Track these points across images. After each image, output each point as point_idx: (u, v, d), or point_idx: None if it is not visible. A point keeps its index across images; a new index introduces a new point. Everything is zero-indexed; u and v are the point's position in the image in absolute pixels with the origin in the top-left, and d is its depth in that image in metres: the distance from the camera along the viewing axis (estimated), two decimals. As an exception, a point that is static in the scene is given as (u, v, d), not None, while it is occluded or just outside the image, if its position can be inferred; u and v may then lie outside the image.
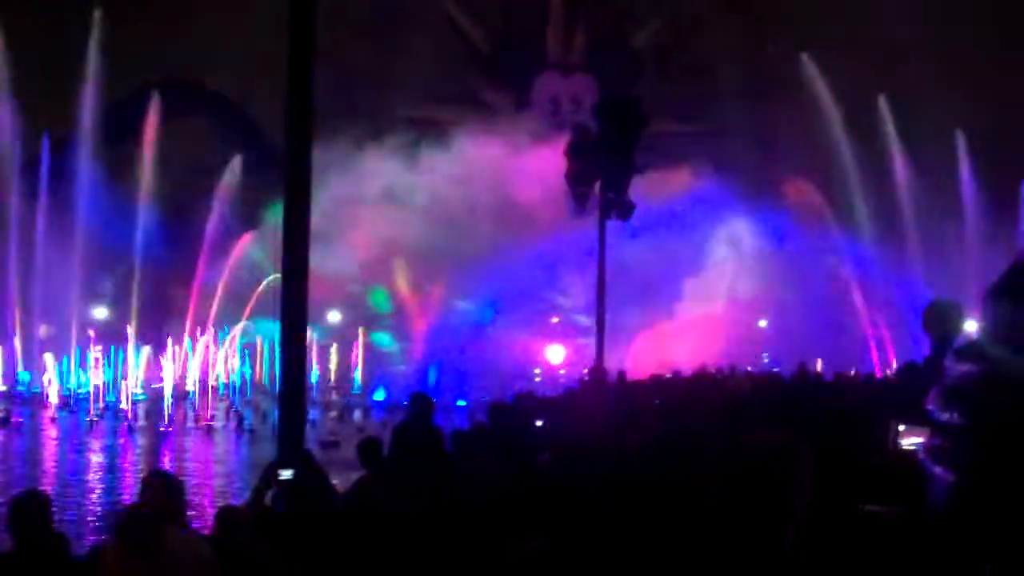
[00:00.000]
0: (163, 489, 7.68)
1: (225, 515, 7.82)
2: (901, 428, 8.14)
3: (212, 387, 44.82)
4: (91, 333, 47.84)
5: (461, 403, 40.47)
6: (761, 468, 7.16)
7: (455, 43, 63.21)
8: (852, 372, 30.33)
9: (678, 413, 15.36)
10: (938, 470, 5.19)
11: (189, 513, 8.62)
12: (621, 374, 27.38)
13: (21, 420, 36.82)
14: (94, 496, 22.83)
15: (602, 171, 25.67)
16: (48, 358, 47.10)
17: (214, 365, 48.44)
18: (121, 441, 33.17)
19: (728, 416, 13.04)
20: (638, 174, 26.90)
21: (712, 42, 59.71)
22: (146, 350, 48.25)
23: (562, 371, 48.35)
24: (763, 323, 51.78)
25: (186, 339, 50.34)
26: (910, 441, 7.86)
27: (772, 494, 6.72)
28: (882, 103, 51.31)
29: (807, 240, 49.71)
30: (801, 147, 49.97)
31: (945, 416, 5.20)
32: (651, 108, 28.82)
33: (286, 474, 8.86)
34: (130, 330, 49.74)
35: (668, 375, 30.69)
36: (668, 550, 6.31)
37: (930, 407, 5.32)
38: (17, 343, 50.44)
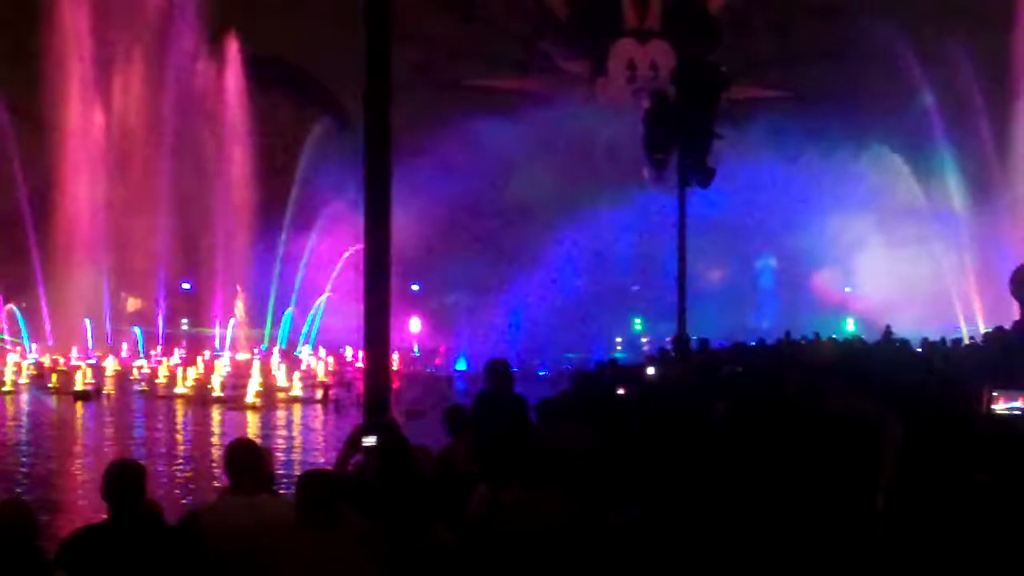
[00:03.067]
0: (248, 456, 7.77)
1: (307, 480, 7.88)
2: (995, 394, 7.99)
3: (297, 358, 45.31)
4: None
5: (542, 372, 40.50)
6: (846, 436, 7.08)
7: (531, 11, 62.97)
8: (941, 338, 29.78)
9: (762, 381, 15.20)
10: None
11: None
12: (703, 341, 27.17)
13: (112, 392, 37.59)
14: (182, 466, 23.21)
15: (681, 137, 25.46)
16: (137, 331, 48.07)
17: (300, 337, 49.01)
18: (207, 413, 33.68)
19: (813, 384, 12.89)
20: (718, 139, 26.67)
21: (789, 3, 58.87)
22: (231, 322, 48.98)
23: (644, 339, 48.24)
24: (848, 289, 51.21)
25: (269, 310, 50.98)
26: (1005, 406, 7.71)
27: (858, 461, 6.64)
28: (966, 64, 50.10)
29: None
30: (883, 111, 49.05)
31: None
32: (729, 73, 28.53)
33: (370, 440, 8.92)
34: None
35: (752, 343, 30.41)
36: (758, 517, 6.26)
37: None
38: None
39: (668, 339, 30.67)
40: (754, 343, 30.36)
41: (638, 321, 52.34)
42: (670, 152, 26.63)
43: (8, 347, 46.57)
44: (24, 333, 48.55)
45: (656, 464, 7.57)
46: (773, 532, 6.13)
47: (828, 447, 7.25)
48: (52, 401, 36.22)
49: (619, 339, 49.56)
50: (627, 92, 58.83)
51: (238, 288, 52.70)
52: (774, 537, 6.15)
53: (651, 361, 24.92)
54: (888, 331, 33.63)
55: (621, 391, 16.33)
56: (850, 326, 46.07)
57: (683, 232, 26.55)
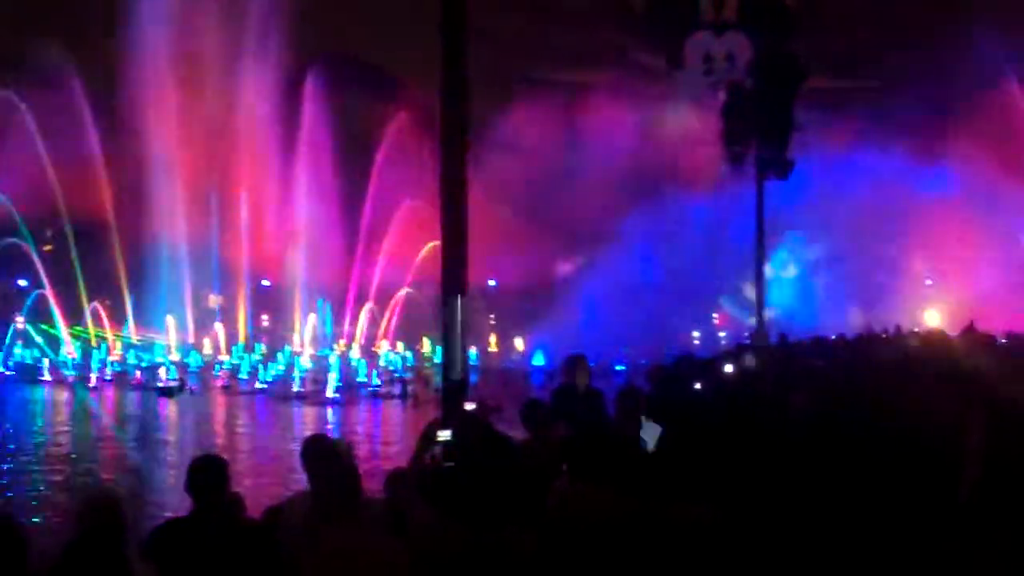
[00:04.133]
0: (324, 452, 7.85)
1: (392, 479, 7.96)
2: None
3: (377, 354, 45.67)
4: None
5: (619, 367, 40.38)
6: (926, 432, 6.96)
7: (607, 5, 62.73)
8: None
9: (844, 375, 15.02)
10: None
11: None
12: (783, 336, 26.92)
13: (195, 388, 38.16)
14: (263, 460, 23.49)
15: (758, 129, 25.25)
16: (219, 328, 48.73)
17: (379, 332, 49.36)
18: (287, 408, 34.07)
19: (896, 378, 12.70)
20: (797, 131, 26.41)
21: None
22: (311, 318, 49.45)
23: (722, 333, 47.91)
24: (929, 282, 50.44)
25: (348, 306, 51.41)
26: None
27: (938, 457, 6.53)
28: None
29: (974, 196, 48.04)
30: (968, 102, 48.13)
31: None
32: (807, 63, 28.23)
33: (445, 435, 8.95)
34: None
35: (832, 336, 30.05)
36: (837, 509, 6.20)
37: None
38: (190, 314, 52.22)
39: (746, 333, 30.45)
40: (834, 336, 29.99)
41: (716, 315, 52.02)
42: (748, 144, 26.44)
43: (94, 344, 47.47)
44: (109, 331, 49.46)
45: (733, 459, 7.52)
46: (851, 528, 6.07)
47: (907, 442, 7.16)
48: (137, 397, 36.88)
49: (696, 333, 49.27)
50: (703, 85, 58.39)
51: (316, 285, 53.26)
52: (853, 532, 6.09)
53: (728, 356, 24.70)
54: (971, 325, 33.02)
55: (697, 386, 16.22)
56: (932, 319, 45.35)
57: (761, 225, 26.33)
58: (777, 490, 6.68)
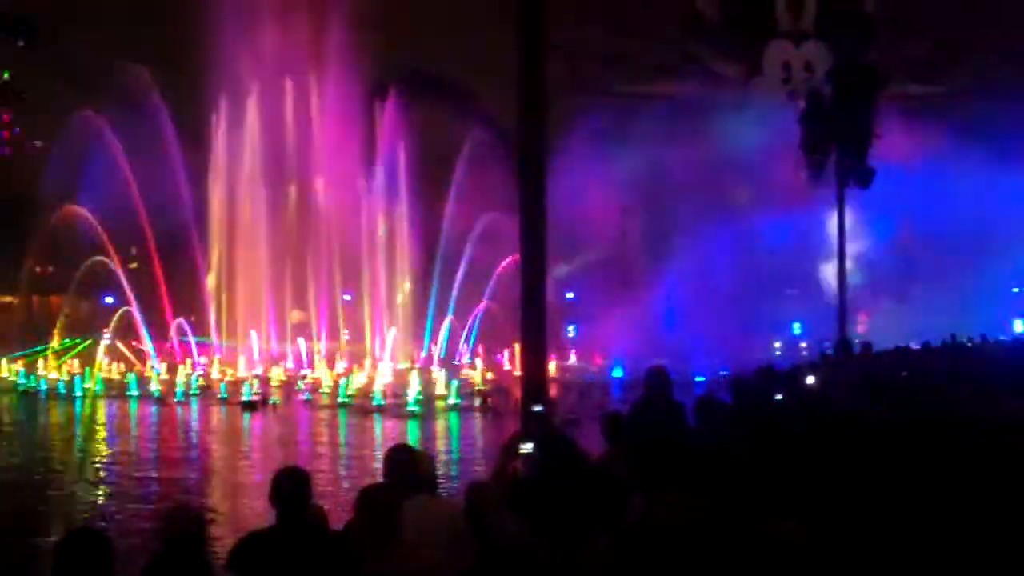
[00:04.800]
0: (407, 461, 7.92)
1: (472, 491, 7.98)
2: None
3: (456, 367, 45.81)
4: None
5: (699, 379, 40.11)
6: (1013, 443, 6.83)
7: (683, 16, 62.58)
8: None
9: (927, 384, 14.80)
10: None
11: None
12: (866, 345, 26.58)
13: (277, 402, 38.57)
14: (345, 473, 23.69)
15: (838, 137, 25.03)
16: (301, 342, 49.24)
17: (459, 346, 49.54)
18: (368, 422, 34.31)
19: (982, 387, 12.51)
20: (877, 138, 26.14)
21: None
22: (391, 332, 49.80)
23: (803, 344, 47.42)
24: (1016, 289, 49.52)
25: (429, 320, 51.66)
26: None
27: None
28: None
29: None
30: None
31: None
32: (888, 72, 27.93)
33: (527, 447, 8.98)
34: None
35: (915, 346, 29.61)
36: (920, 526, 6.11)
37: None
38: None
39: (828, 343, 30.12)
40: (918, 346, 29.56)
41: (797, 325, 51.51)
42: (827, 153, 26.20)
43: (178, 359, 48.22)
44: (193, 346, 50.22)
45: (815, 471, 7.44)
46: (937, 542, 5.97)
47: (994, 454, 7.04)
48: (221, 411, 37.38)
49: (777, 343, 48.81)
50: (782, 94, 57.99)
51: (397, 299, 53.63)
52: (938, 547, 5.99)
53: (811, 368, 24.45)
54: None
55: (779, 397, 16.07)
56: (1018, 327, 44.52)
57: (842, 234, 26.08)
58: (860, 505, 6.60)
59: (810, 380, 19.87)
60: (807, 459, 8.12)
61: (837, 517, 6.57)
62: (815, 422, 10.78)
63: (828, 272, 40.68)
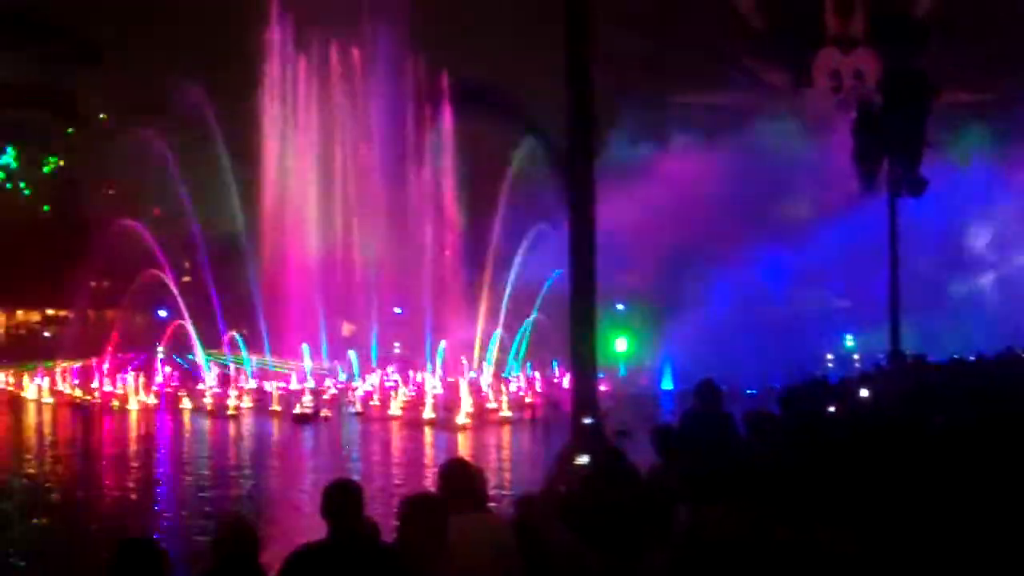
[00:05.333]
0: (463, 476, 7.91)
1: (523, 503, 7.97)
2: None
3: (505, 380, 45.83)
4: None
5: (750, 391, 39.83)
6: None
7: (730, 26, 62.35)
8: None
9: (985, 397, 14.58)
10: None
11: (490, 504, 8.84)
12: (920, 356, 26.28)
13: (329, 414, 38.75)
14: (398, 485, 23.74)
15: (890, 147, 24.81)
16: (352, 355, 49.46)
17: (509, 358, 49.55)
18: (419, 434, 34.40)
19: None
20: (929, 147, 25.88)
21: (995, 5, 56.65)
22: (441, 345, 49.88)
23: (855, 355, 47.00)
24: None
25: (477, 333, 51.71)
26: None
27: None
28: None
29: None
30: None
31: None
32: (939, 78, 27.67)
33: (583, 459, 8.96)
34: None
35: (971, 357, 29.25)
36: (979, 540, 6.04)
37: None
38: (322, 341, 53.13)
39: (882, 355, 29.81)
40: (974, 357, 29.20)
41: (849, 337, 51.10)
42: (879, 162, 25.97)
43: (231, 373, 48.59)
44: (246, 359, 50.58)
45: (869, 483, 7.37)
46: (996, 556, 5.89)
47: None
48: (273, 424, 37.62)
49: (830, 356, 48.42)
50: (832, 102, 57.62)
51: (447, 312, 53.79)
52: (997, 561, 5.92)
53: (864, 380, 24.24)
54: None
55: (831, 409, 15.93)
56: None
57: (895, 244, 25.83)
58: (916, 517, 6.53)
59: (863, 392, 19.68)
60: (859, 470, 8.04)
61: (890, 529, 6.50)
62: (868, 434, 10.67)
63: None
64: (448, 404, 38.83)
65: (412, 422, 36.49)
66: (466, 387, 40.01)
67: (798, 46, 61.04)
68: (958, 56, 56.65)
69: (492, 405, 38.79)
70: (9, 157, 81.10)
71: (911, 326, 29.66)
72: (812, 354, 45.84)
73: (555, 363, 47.28)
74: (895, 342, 25.99)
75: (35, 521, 20.64)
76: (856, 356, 46.97)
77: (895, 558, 6.21)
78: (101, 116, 77.13)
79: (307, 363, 50.31)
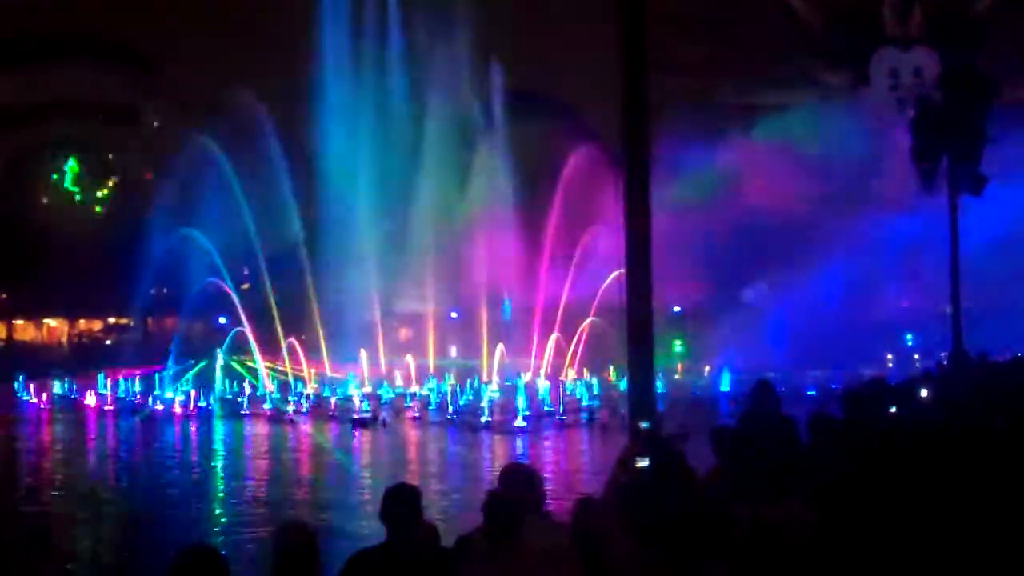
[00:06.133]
0: (522, 480, 7.91)
1: (583, 506, 7.96)
2: None
3: (563, 383, 45.79)
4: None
5: (810, 392, 39.52)
6: None
7: (787, 26, 61.89)
8: None
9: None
10: None
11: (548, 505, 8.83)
12: (983, 355, 25.91)
13: (388, 419, 38.93)
14: (455, 489, 23.78)
15: (950, 145, 24.48)
16: (409, 360, 49.64)
17: (566, 361, 49.51)
18: (477, 438, 34.44)
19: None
20: (991, 145, 25.51)
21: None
22: (498, 348, 49.93)
23: (916, 355, 46.50)
24: None
25: (535, 336, 51.70)
26: None
27: None
28: None
29: None
30: None
31: None
32: (1000, 75, 27.30)
33: (643, 462, 8.90)
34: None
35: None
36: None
37: None
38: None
39: (943, 353, 29.46)
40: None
41: (909, 336, 50.53)
42: (939, 160, 25.66)
43: (290, 378, 48.95)
44: (305, 365, 50.92)
45: (932, 486, 7.27)
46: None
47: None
48: (332, 428, 37.85)
49: (890, 356, 47.91)
50: (891, 101, 57.03)
51: (503, 316, 53.83)
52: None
53: (925, 380, 23.94)
54: None
55: (893, 410, 15.74)
56: None
57: (956, 244, 25.49)
58: (980, 522, 6.43)
59: (924, 393, 19.43)
60: (923, 474, 7.94)
61: (952, 532, 6.42)
62: (931, 436, 10.53)
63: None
64: (505, 408, 38.88)
65: (469, 426, 36.55)
66: (523, 390, 40.03)
67: (855, 45, 60.46)
68: (1020, 53, 55.83)
69: (549, 408, 38.77)
70: (70, 169, 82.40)
71: (973, 325, 29.27)
72: (871, 355, 45.43)
73: (611, 366, 47.15)
74: (957, 341, 25.62)
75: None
76: (916, 356, 46.47)
77: (958, 564, 6.13)
78: (155, 124, 78.16)
79: (365, 368, 50.56)
